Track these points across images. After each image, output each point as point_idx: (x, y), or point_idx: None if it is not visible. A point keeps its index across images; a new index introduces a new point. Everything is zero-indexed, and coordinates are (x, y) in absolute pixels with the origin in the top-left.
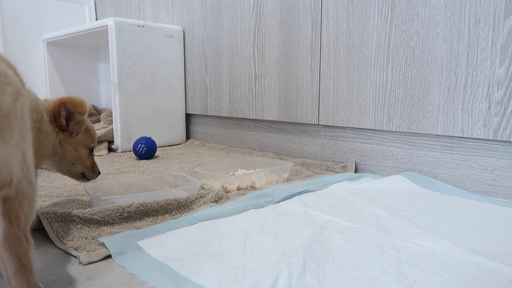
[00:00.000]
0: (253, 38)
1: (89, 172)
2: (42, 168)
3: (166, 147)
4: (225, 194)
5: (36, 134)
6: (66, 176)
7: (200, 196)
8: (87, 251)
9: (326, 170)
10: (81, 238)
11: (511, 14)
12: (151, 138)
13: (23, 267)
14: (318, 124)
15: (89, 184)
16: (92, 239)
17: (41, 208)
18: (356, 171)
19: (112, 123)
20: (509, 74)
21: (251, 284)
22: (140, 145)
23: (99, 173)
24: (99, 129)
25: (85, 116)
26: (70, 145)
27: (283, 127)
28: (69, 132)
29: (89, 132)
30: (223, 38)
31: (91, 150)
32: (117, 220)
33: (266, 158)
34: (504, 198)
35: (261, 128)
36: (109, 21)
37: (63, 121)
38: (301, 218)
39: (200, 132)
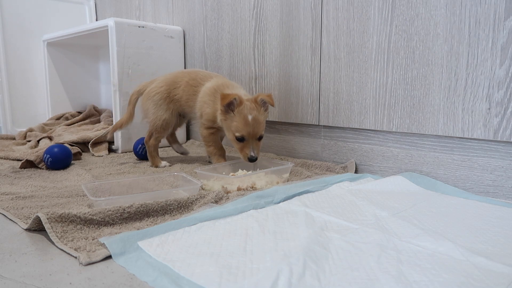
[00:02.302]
0: (253, 39)
1: (240, 154)
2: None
3: (166, 148)
4: (226, 195)
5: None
6: (66, 177)
7: (201, 196)
8: (87, 251)
9: (327, 170)
10: (81, 239)
11: None
12: None
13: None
14: (319, 125)
15: (89, 185)
16: (92, 239)
17: (41, 208)
18: (356, 171)
19: (113, 124)
20: (510, 74)
21: (251, 284)
22: (140, 145)
23: (250, 159)
24: (99, 130)
25: (230, 107)
26: (224, 126)
27: (284, 127)
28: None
29: (234, 122)
30: (223, 38)
31: (239, 139)
32: (117, 220)
33: (266, 159)
34: (505, 198)
35: None
36: (110, 22)
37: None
38: (301, 219)
39: None
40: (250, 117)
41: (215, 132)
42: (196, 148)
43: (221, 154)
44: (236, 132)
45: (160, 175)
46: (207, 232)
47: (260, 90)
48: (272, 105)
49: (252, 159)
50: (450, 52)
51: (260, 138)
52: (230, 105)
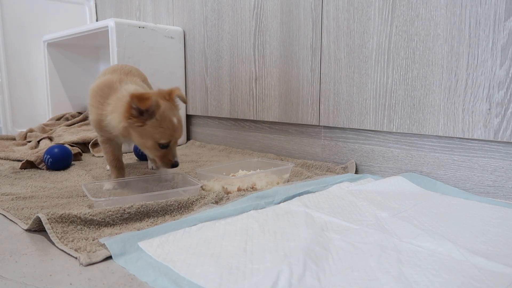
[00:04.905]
0: (253, 39)
1: (159, 162)
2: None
3: None
4: (226, 195)
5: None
6: (67, 178)
7: (201, 197)
8: (88, 252)
9: (327, 171)
10: (82, 239)
11: None
12: None
13: None
14: (319, 125)
15: (89, 185)
16: (93, 240)
17: (42, 209)
18: (356, 172)
19: None
20: (510, 75)
21: (252, 284)
22: None
23: (173, 165)
24: None
25: (154, 109)
26: (138, 133)
27: (284, 128)
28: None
29: (158, 128)
30: (224, 39)
31: (163, 146)
32: (117, 221)
33: (266, 159)
34: (505, 199)
35: (261, 129)
36: (110, 22)
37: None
38: (301, 219)
39: (201, 133)
40: (175, 120)
41: (106, 141)
42: (196, 148)
43: (117, 166)
44: (162, 139)
45: (160, 176)
46: (207, 233)
47: (260, 91)
48: (185, 103)
49: (176, 165)
50: (451, 53)
51: None
52: (149, 108)
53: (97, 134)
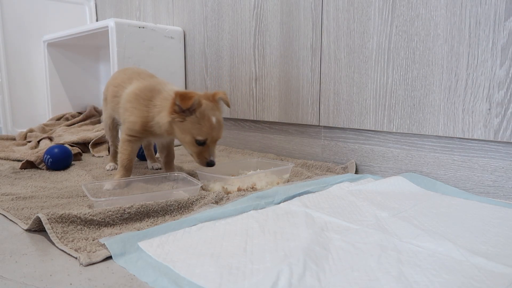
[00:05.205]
0: (253, 39)
1: (195, 158)
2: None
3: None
4: (226, 195)
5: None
6: (67, 178)
7: (201, 197)
8: (88, 252)
9: (327, 171)
10: (82, 239)
11: None
12: None
13: None
14: (319, 125)
15: (89, 185)
16: (93, 240)
17: (42, 209)
18: (356, 172)
19: None
20: (510, 75)
21: (252, 285)
22: (140, 146)
23: (208, 164)
24: (99, 130)
25: (194, 107)
26: (179, 128)
27: (284, 128)
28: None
29: (197, 124)
30: (224, 39)
31: (200, 143)
32: (117, 221)
33: (266, 159)
34: (505, 199)
35: (261, 129)
36: (110, 22)
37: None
38: (301, 219)
39: None
40: (214, 120)
41: (134, 141)
42: None
43: (127, 167)
44: (199, 136)
45: (160, 176)
46: (207, 233)
47: (260, 91)
48: (229, 106)
49: (211, 164)
50: (451, 53)
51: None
52: (191, 107)
53: (127, 133)
